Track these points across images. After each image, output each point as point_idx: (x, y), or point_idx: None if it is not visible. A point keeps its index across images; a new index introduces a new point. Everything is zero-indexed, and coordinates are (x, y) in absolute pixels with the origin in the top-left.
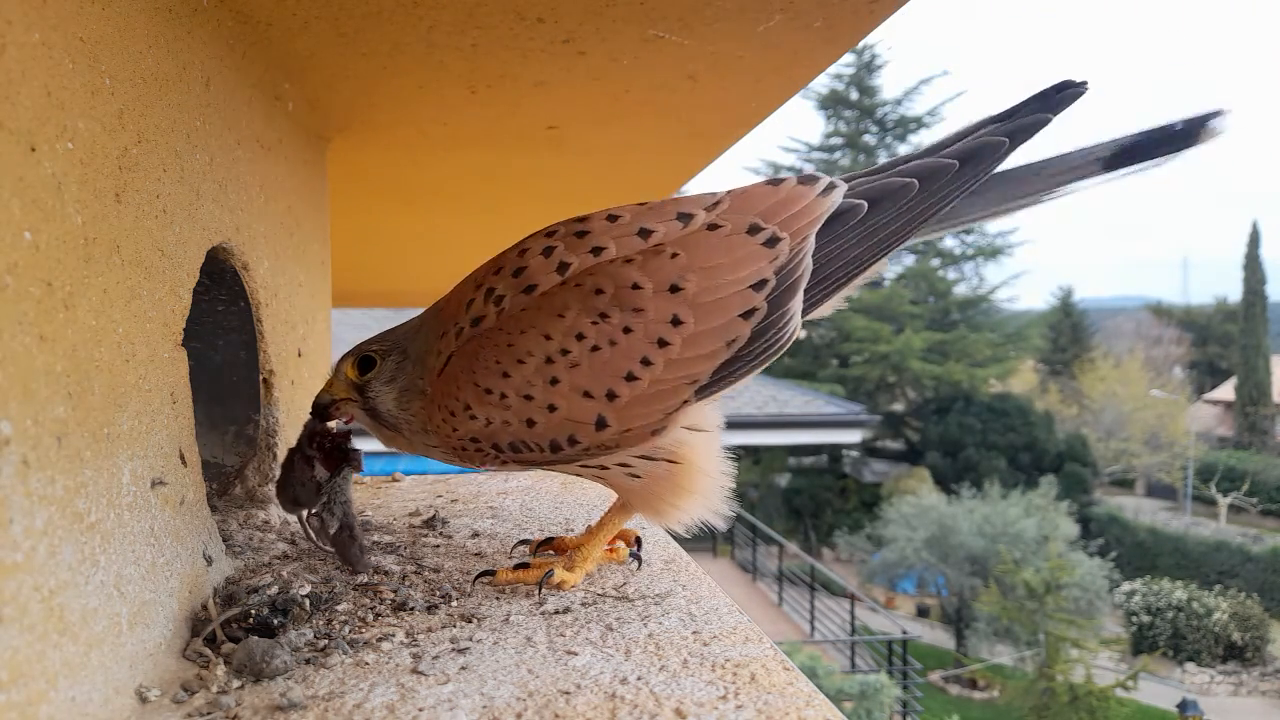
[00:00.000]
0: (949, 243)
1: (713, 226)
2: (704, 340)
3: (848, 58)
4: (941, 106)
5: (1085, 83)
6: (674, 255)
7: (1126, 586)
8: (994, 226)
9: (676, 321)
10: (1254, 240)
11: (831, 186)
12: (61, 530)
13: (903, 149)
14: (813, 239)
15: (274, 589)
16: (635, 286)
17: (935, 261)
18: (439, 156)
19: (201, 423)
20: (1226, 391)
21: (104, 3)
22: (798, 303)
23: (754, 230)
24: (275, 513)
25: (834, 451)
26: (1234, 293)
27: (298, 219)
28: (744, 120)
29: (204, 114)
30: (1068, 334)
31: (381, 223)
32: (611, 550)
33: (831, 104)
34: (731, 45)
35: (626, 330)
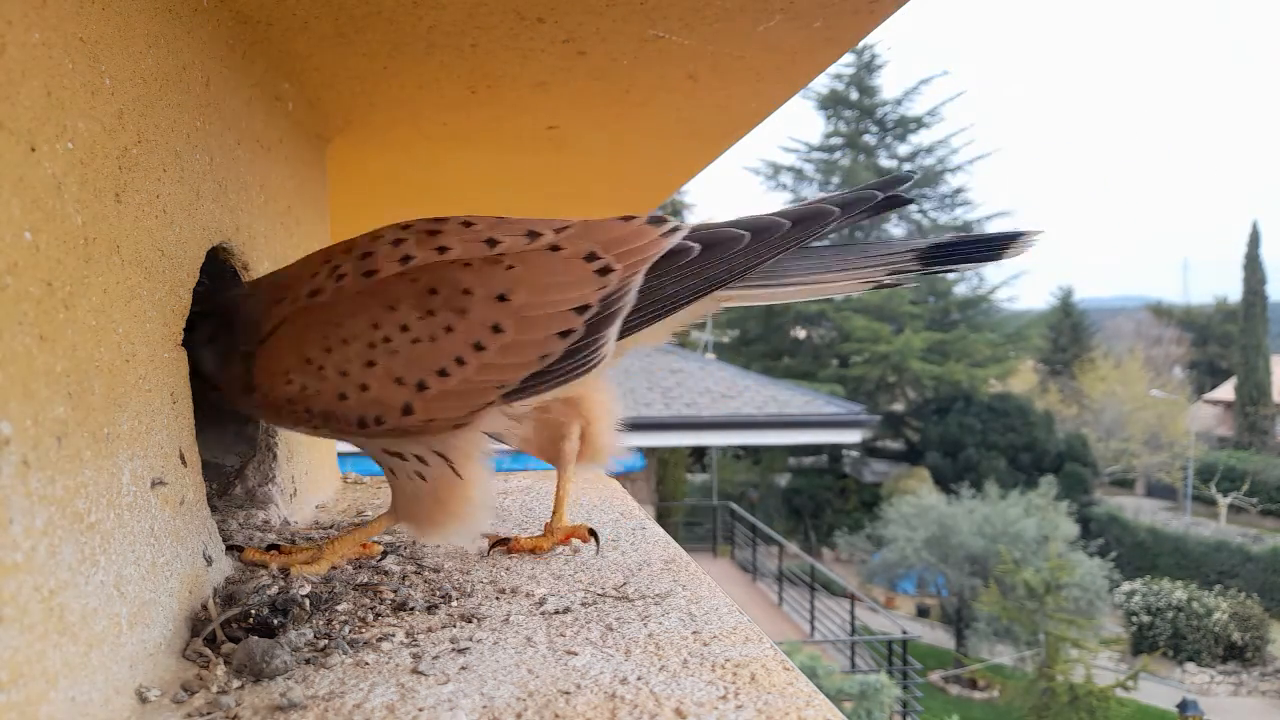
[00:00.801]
0: None
1: (554, 247)
2: (519, 350)
3: (848, 58)
4: (941, 106)
5: (916, 174)
6: (510, 267)
7: (1126, 586)
8: (994, 226)
9: (497, 329)
10: (1254, 240)
11: (675, 229)
12: (61, 530)
13: (903, 149)
14: (643, 274)
15: (274, 589)
16: (466, 291)
17: None
18: (439, 156)
19: (201, 423)
20: (1226, 391)
21: (104, 3)
22: (614, 331)
23: (590, 258)
24: (275, 513)
25: (834, 451)
26: (1234, 293)
27: (298, 219)
28: (744, 120)
29: (204, 114)
30: (1068, 334)
31: (381, 223)
32: (365, 547)
33: (831, 104)
34: (731, 45)
35: (448, 329)
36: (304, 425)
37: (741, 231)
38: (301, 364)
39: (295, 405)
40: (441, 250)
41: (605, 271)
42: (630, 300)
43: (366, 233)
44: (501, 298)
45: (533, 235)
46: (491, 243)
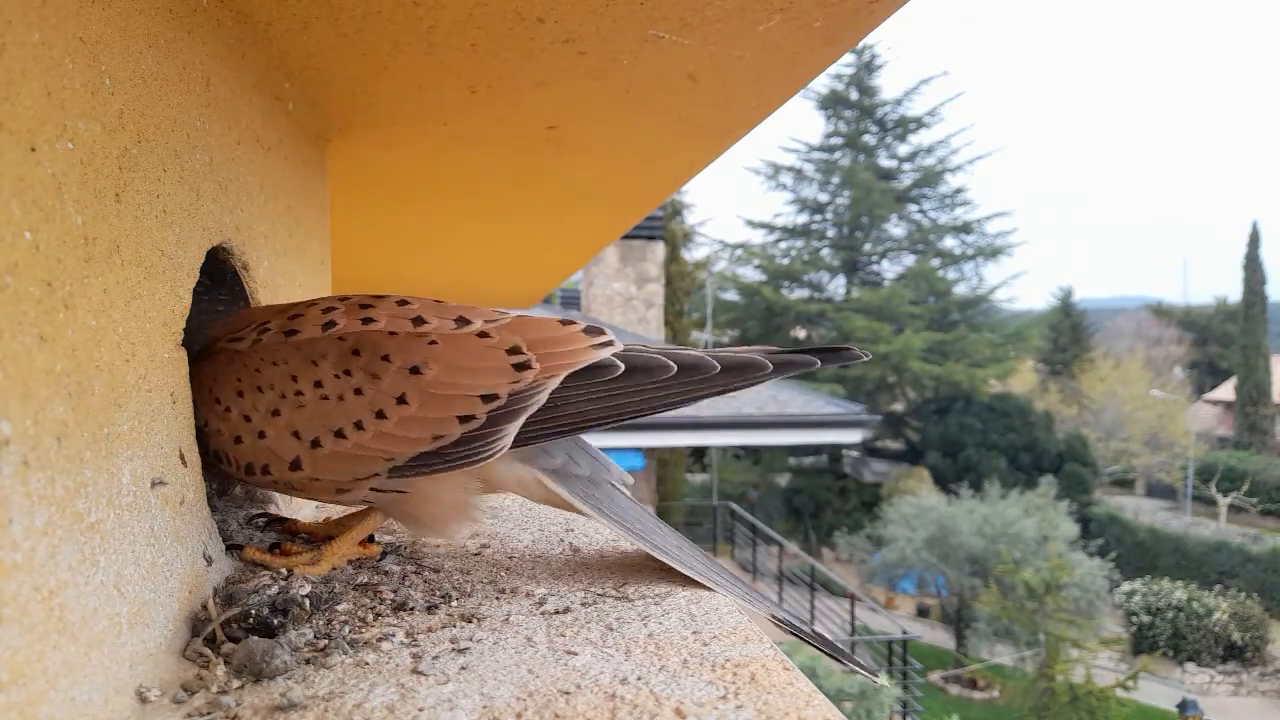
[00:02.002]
0: (949, 243)
1: (482, 334)
2: (417, 426)
3: (848, 58)
4: (941, 106)
5: (865, 356)
6: (432, 342)
7: (1126, 586)
8: (994, 226)
9: (402, 400)
10: (1254, 240)
11: (606, 343)
12: (61, 530)
13: (903, 149)
14: (560, 379)
15: (274, 589)
16: (385, 358)
17: (935, 261)
18: (439, 156)
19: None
20: (1226, 391)
21: (104, 3)
22: (514, 428)
23: (513, 351)
24: (275, 513)
25: (834, 451)
26: (1234, 293)
27: (298, 219)
28: (744, 120)
29: (204, 114)
30: (1068, 334)
31: (381, 223)
32: (364, 546)
33: (831, 104)
34: (731, 45)
35: (358, 391)
36: None
37: (669, 362)
38: (209, 401)
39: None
40: (367, 322)
41: (523, 367)
42: (539, 401)
43: (306, 301)
44: (415, 370)
45: (461, 321)
46: (419, 321)
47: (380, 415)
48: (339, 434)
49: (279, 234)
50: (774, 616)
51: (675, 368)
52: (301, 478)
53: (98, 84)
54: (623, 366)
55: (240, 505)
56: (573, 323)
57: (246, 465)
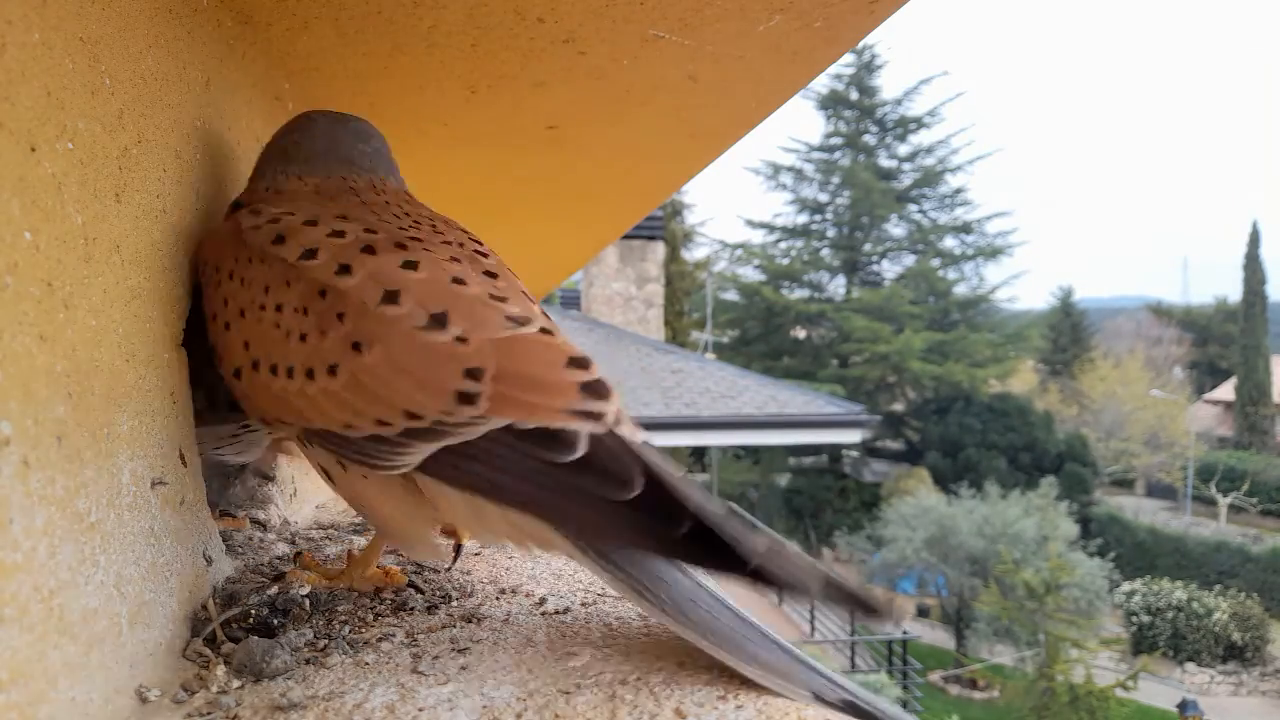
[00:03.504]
0: (949, 243)
1: (459, 339)
2: (333, 403)
3: (848, 58)
4: (941, 107)
5: (891, 621)
6: (390, 321)
7: (1126, 586)
8: (994, 226)
9: (332, 371)
10: (1254, 240)
11: (592, 413)
12: (61, 530)
13: (903, 149)
14: (494, 427)
15: (274, 589)
16: (339, 316)
17: (935, 261)
18: (439, 156)
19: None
20: (1226, 391)
21: (104, 3)
22: (427, 449)
23: (472, 374)
24: (275, 513)
25: (834, 451)
26: (1234, 293)
27: None
28: (744, 120)
29: (204, 114)
30: (1068, 334)
31: None
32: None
33: (831, 104)
34: (731, 45)
35: (303, 337)
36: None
37: (634, 477)
38: (211, 264)
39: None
40: (344, 270)
41: (466, 400)
42: (462, 437)
43: (332, 209)
44: (356, 346)
45: (438, 322)
46: (393, 297)
47: (309, 374)
48: (273, 369)
49: None
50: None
51: (638, 488)
52: (238, 389)
53: (98, 84)
54: (581, 451)
55: (241, 505)
56: (581, 365)
57: (211, 345)
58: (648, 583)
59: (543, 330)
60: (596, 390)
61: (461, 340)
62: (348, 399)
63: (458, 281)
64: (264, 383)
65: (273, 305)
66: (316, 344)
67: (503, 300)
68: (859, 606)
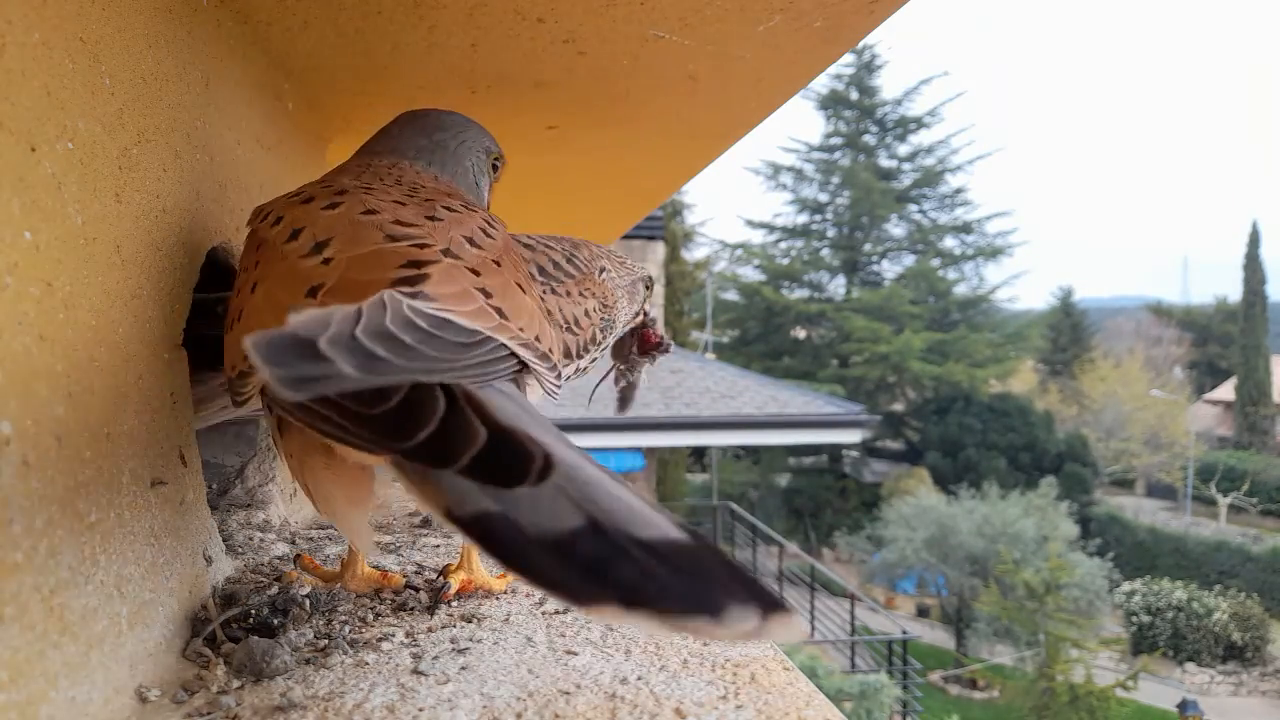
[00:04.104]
0: (949, 242)
1: (325, 260)
2: (231, 349)
3: (848, 58)
4: (941, 107)
5: None
6: (281, 259)
7: (1126, 586)
8: (994, 226)
9: (240, 316)
10: (1254, 240)
11: (408, 288)
12: (61, 530)
13: (903, 149)
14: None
15: (274, 589)
16: (256, 264)
17: (935, 261)
18: None
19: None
20: (1226, 391)
21: (104, 3)
22: (257, 385)
23: (312, 291)
24: (275, 513)
25: (834, 451)
26: (1234, 293)
27: None
28: (744, 120)
29: (204, 114)
30: (1068, 334)
31: None
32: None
33: (831, 104)
34: (731, 45)
35: (254, 286)
36: None
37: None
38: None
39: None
40: (331, 207)
41: (312, 293)
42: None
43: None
44: (253, 288)
45: (316, 250)
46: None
47: (239, 316)
48: (230, 327)
49: None
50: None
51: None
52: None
53: (98, 84)
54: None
55: (241, 505)
56: (435, 218)
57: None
58: None
59: (420, 244)
60: (420, 260)
61: (326, 261)
62: (245, 326)
63: (368, 213)
64: (228, 339)
65: (252, 260)
66: (245, 295)
67: (409, 225)
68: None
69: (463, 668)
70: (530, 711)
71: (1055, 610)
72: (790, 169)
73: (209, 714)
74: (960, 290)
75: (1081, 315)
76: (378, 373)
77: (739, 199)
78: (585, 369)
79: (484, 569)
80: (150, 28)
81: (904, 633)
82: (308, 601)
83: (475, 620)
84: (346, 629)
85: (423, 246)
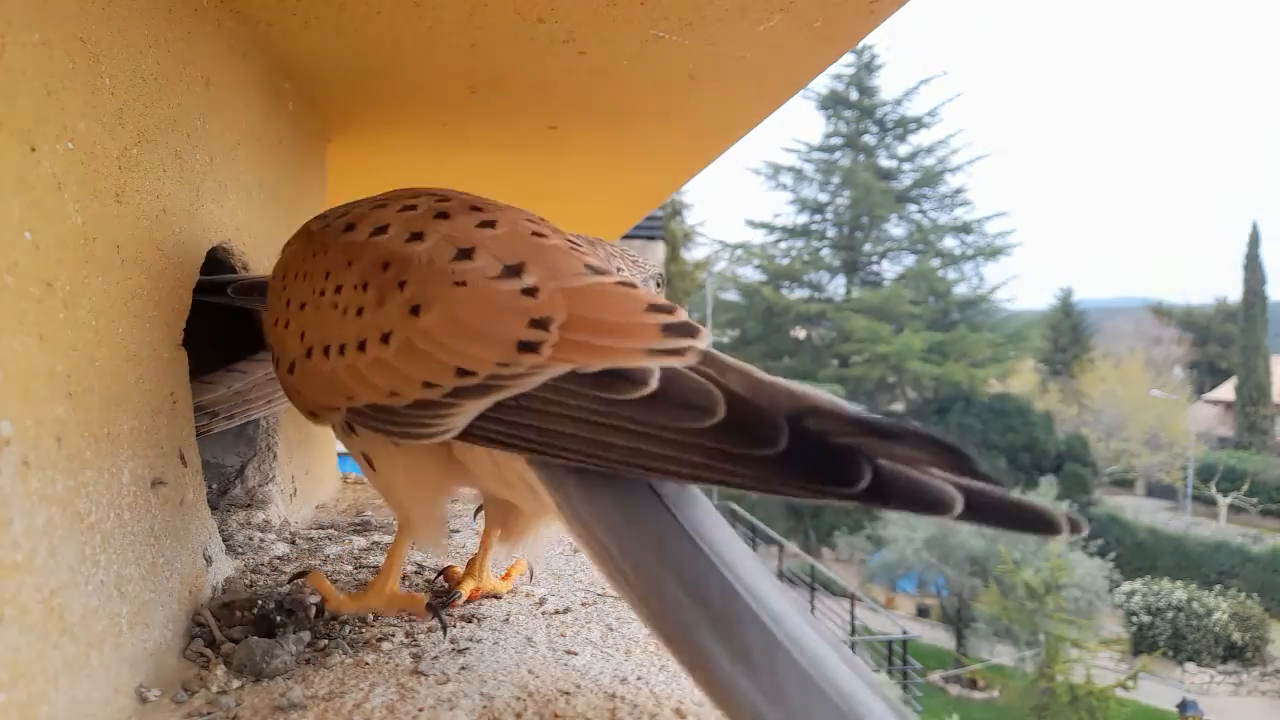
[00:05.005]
0: (949, 243)
1: (528, 291)
2: (383, 372)
3: (848, 58)
4: (940, 107)
5: (1082, 531)
6: (458, 283)
7: (1126, 586)
8: (994, 226)
9: (385, 339)
10: (1254, 240)
11: (676, 349)
12: (62, 530)
13: (903, 149)
14: (556, 373)
15: (287, 587)
16: (401, 284)
17: (935, 261)
18: (439, 156)
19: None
20: (1226, 391)
21: (104, 3)
22: (475, 408)
23: (538, 324)
24: (275, 513)
25: None
26: (1234, 293)
27: (298, 219)
28: (744, 120)
29: (204, 114)
30: (1068, 334)
31: None
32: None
33: (831, 104)
34: (731, 45)
35: (359, 311)
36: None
37: (716, 399)
38: (278, 277)
39: (264, 313)
40: (416, 238)
41: (528, 349)
42: (517, 389)
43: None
44: (414, 310)
45: (512, 272)
46: (466, 254)
47: (360, 347)
48: (325, 350)
49: (279, 234)
50: None
51: (720, 415)
52: (291, 384)
53: (98, 84)
54: (653, 387)
55: (241, 505)
56: (664, 310)
57: (275, 356)
58: (611, 539)
59: (622, 283)
60: (681, 330)
61: (530, 291)
62: (396, 365)
63: (538, 235)
64: (314, 368)
65: (332, 288)
66: (373, 314)
67: (583, 252)
68: (1024, 522)
69: (463, 668)
70: (530, 711)
71: (1055, 610)
72: (790, 169)
73: (209, 714)
74: (960, 290)
75: (1081, 315)
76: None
77: (739, 199)
78: None
79: (490, 574)
80: (150, 28)
81: (904, 633)
82: (314, 608)
83: (475, 620)
84: (346, 629)
85: (627, 285)
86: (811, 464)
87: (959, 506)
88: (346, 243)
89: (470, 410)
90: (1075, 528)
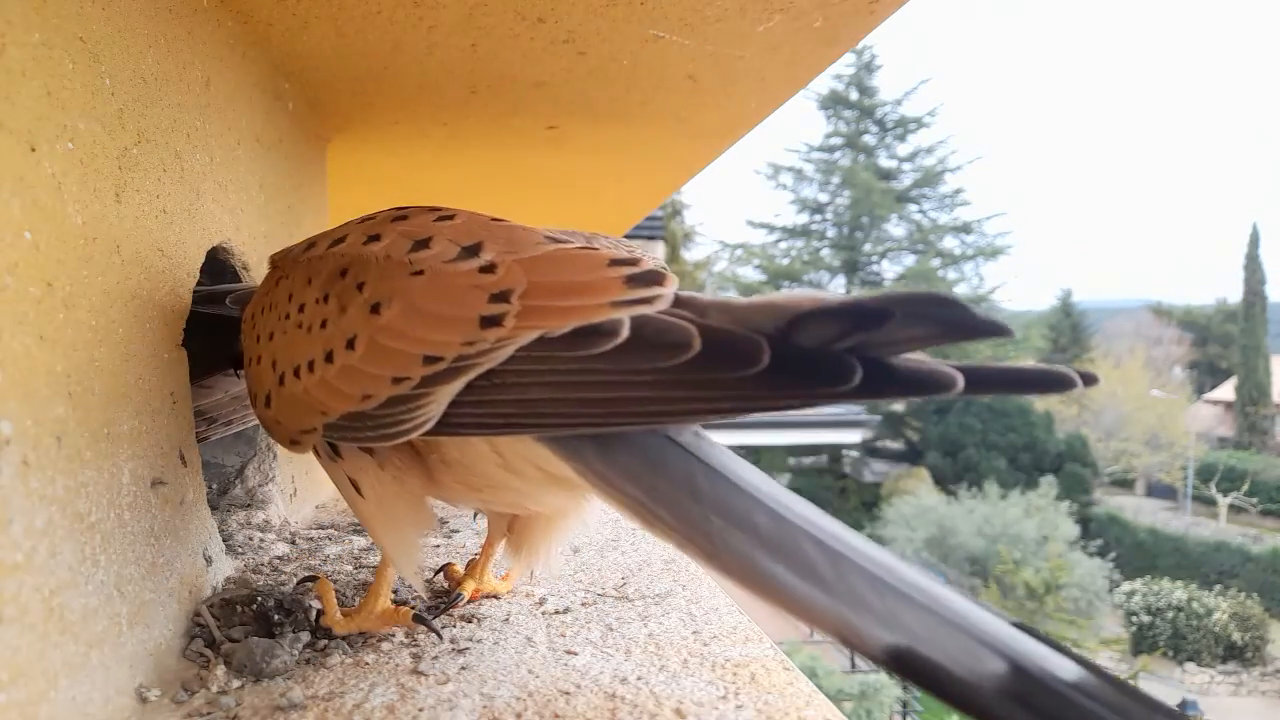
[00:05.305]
0: (949, 243)
1: (485, 268)
2: (351, 378)
3: (848, 58)
4: (941, 107)
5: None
6: (416, 273)
7: (1126, 586)
8: (993, 226)
9: (350, 344)
10: (1254, 240)
11: (643, 299)
12: (62, 530)
13: (903, 149)
14: (522, 342)
15: (288, 587)
16: (359, 286)
17: (935, 262)
18: (439, 156)
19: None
20: (1226, 391)
21: (104, 3)
22: (447, 391)
23: (499, 297)
24: (275, 513)
25: (834, 451)
26: (1234, 293)
27: (298, 219)
28: (744, 120)
29: (204, 114)
30: (1068, 334)
31: None
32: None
33: (831, 104)
34: (731, 45)
35: (324, 324)
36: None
37: (692, 335)
38: (248, 321)
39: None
40: (373, 239)
41: (492, 323)
42: (492, 362)
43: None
44: (374, 308)
45: (470, 252)
46: (423, 244)
47: (328, 358)
48: (296, 372)
49: (279, 234)
50: None
51: (696, 348)
52: (269, 416)
53: (98, 84)
54: (625, 335)
55: (241, 505)
56: (627, 262)
57: (251, 391)
58: (648, 495)
59: (583, 247)
60: (646, 279)
61: (489, 268)
62: (363, 368)
63: (496, 220)
64: (288, 393)
65: (295, 309)
66: (336, 323)
67: (546, 231)
68: (1029, 384)
69: (462, 668)
70: (530, 711)
71: (1055, 610)
72: (791, 169)
73: (209, 714)
74: (960, 290)
75: (1081, 316)
76: None
77: (739, 199)
78: None
79: (491, 575)
80: (150, 28)
81: None
82: (314, 612)
83: (475, 620)
84: None
85: (589, 248)
86: (800, 372)
87: (960, 384)
88: (306, 260)
89: (443, 396)
90: (1088, 380)
